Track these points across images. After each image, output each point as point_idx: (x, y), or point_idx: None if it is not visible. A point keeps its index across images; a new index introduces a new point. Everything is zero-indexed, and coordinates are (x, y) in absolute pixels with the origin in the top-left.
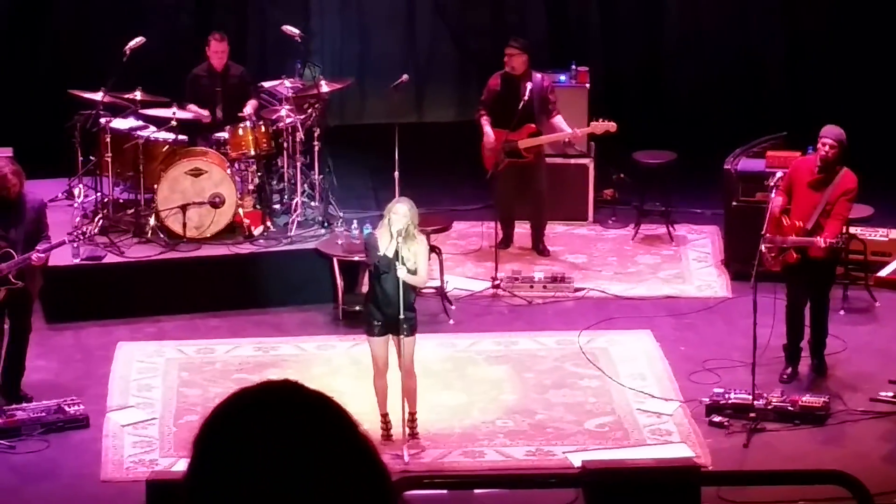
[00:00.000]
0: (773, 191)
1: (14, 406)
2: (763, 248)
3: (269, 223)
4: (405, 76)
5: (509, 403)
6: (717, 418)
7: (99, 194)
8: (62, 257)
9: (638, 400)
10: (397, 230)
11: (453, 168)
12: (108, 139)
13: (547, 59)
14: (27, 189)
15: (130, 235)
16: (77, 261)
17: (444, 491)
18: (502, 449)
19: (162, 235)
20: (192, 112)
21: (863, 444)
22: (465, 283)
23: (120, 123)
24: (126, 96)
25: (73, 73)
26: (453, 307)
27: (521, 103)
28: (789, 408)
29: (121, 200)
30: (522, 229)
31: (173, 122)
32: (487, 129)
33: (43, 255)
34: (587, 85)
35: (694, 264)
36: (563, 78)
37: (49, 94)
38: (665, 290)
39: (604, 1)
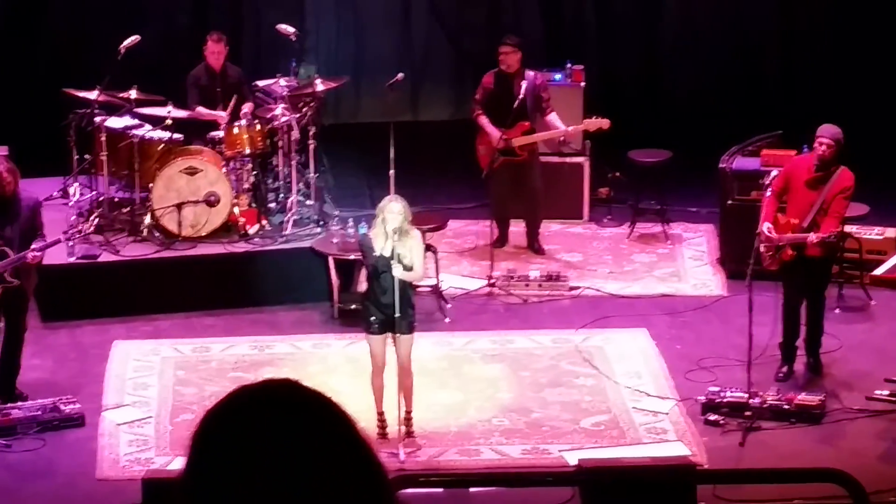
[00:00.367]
0: (767, 189)
1: (9, 405)
2: (761, 247)
3: (264, 222)
4: (400, 75)
5: (505, 402)
6: (712, 417)
7: (94, 193)
8: (57, 256)
9: (634, 398)
10: (393, 229)
11: (448, 167)
12: (104, 138)
13: (542, 57)
14: (22, 187)
15: (126, 234)
16: (72, 259)
17: (440, 489)
18: (498, 447)
19: (157, 234)
20: (204, 115)
21: (859, 442)
22: (460, 281)
23: (115, 122)
24: (121, 95)
25: (68, 72)
26: (449, 306)
27: (516, 101)
28: (785, 406)
29: (116, 199)
30: (518, 228)
31: (168, 121)
32: (490, 127)
33: (39, 253)
34: (582, 84)
35: (689, 263)
36: (558, 77)
37: (44, 92)
38: (661, 288)
39: (599, 0)
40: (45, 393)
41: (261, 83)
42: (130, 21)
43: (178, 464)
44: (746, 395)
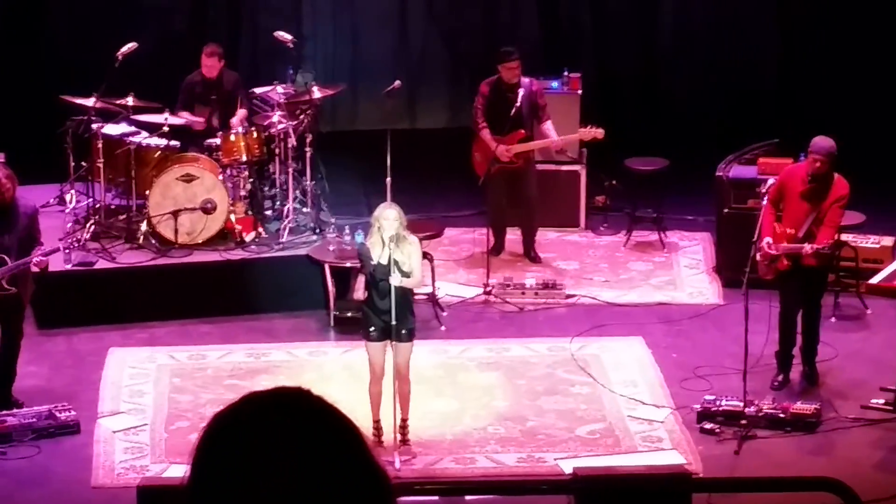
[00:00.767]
0: (764, 198)
1: (5, 412)
2: (758, 256)
3: (260, 229)
4: (397, 82)
5: (501, 410)
6: (708, 425)
7: (91, 200)
8: (54, 263)
9: (629, 407)
10: (390, 237)
11: (445, 174)
12: (100, 145)
13: (539, 65)
14: (19, 194)
15: (122, 241)
16: (69, 266)
17: (436, 497)
18: (493, 455)
19: (154, 241)
20: (183, 118)
21: (854, 451)
22: (456, 289)
23: (112, 129)
24: (118, 102)
25: (65, 79)
26: (445, 313)
27: (514, 109)
28: (780, 415)
29: (112, 206)
30: (514, 235)
31: (165, 128)
32: (493, 143)
33: (45, 258)
34: (579, 91)
35: (686, 271)
36: (555, 84)
37: (41, 99)
38: (657, 296)
39: (596, 7)
40: (41, 400)
41: (258, 90)
42: (127, 28)
43: (173, 471)
44: (742, 404)
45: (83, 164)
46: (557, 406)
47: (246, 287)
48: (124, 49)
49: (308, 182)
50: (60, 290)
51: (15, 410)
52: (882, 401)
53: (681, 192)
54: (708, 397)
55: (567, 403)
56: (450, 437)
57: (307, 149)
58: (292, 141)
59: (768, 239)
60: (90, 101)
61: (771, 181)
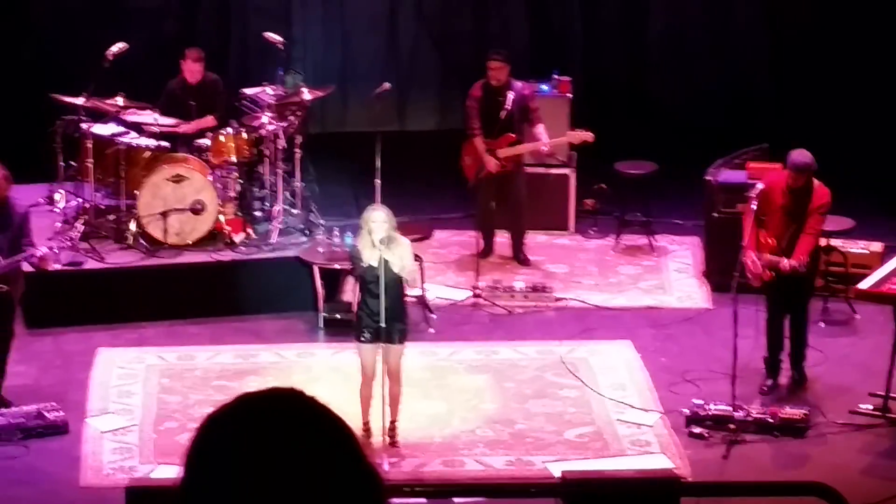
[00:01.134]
0: (753, 203)
1: None
2: (748, 262)
3: (250, 230)
4: (387, 84)
5: (489, 413)
6: (696, 429)
7: (80, 200)
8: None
9: (618, 410)
10: (380, 239)
11: (434, 177)
12: (90, 145)
13: (528, 68)
14: (11, 194)
15: (111, 241)
16: (57, 266)
17: (424, 500)
18: (482, 458)
19: (143, 242)
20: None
21: (842, 456)
22: (445, 291)
23: (101, 129)
24: (108, 102)
25: (54, 78)
26: (434, 316)
27: (504, 112)
28: (769, 420)
29: (102, 206)
30: (503, 238)
31: (155, 129)
32: (487, 157)
33: (46, 254)
34: (569, 95)
35: (675, 275)
36: (544, 88)
37: (30, 98)
38: (646, 300)
39: (586, 11)
40: (29, 400)
41: (248, 91)
42: (118, 28)
43: (161, 472)
44: (730, 408)
45: (73, 163)
46: (546, 409)
47: (235, 288)
48: (114, 49)
49: (297, 183)
50: (49, 290)
51: (3, 410)
52: (870, 406)
53: (670, 195)
54: (696, 401)
55: (555, 407)
56: (438, 439)
57: (297, 150)
58: (282, 142)
59: (753, 256)
60: (80, 101)
61: (760, 185)
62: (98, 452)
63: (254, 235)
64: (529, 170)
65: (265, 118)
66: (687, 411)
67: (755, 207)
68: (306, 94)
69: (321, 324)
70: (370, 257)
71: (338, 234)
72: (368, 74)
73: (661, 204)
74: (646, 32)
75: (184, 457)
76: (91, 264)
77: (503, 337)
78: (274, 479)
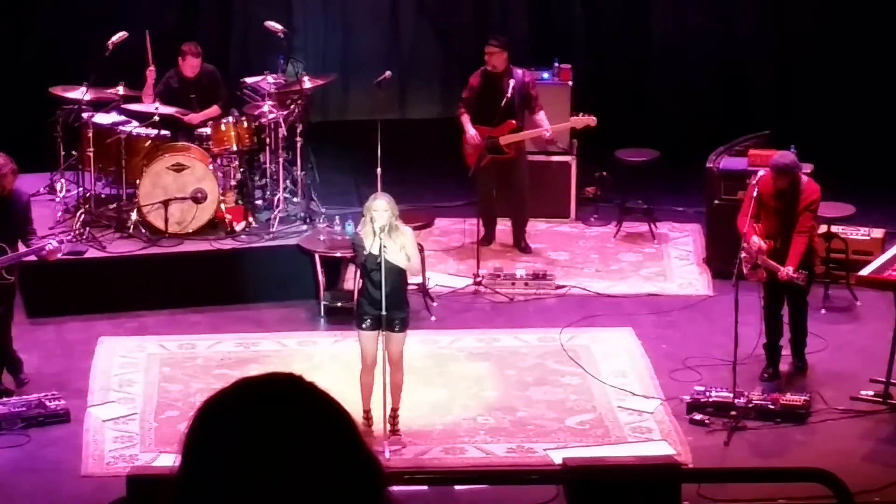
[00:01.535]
0: (754, 190)
1: None
2: (742, 253)
3: (251, 219)
4: (388, 73)
5: (490, 400)
6: (697, 416)
7: (81, 189)
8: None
9: (619, 397)
10: (381, 226)
11: (436, 165)
12: (91, 134)
13: (529, 56)
14: (15, 184)
15: (112, 230)
16: (58, 255)
17: (425, 487)
18: (483, 446)
19: (144, 231)
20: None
21: (843, 442)
22: (447, 279)
23: (102, 118)
24: (108, 91)
25: (55, 68)
26: (435, 304)
27: (504, 100)
28: (770, 406)
29: (103, 195)
30: (504, 226)
31: (155, 118)
32: (468, 126)
33: (54, 249)
34: (570, 82)
35: (676, 262)
36: (545, 75)
37: (31, 87)
38: (647, 287)
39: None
40: (31, 389)
41: (249, 80)
42: (118, 17)
43: (163, 461)
44: (731, 395)
45: (73, 153)
46: (547, 396)
47: (236, 277)
48: (115, 38)
49: (298, 172)
50: (50, 279)
51: (4, 399)
52: (871, 392)
53: (671, 183)
54: (698, 388)
55: (557, 394)
56: (439, 427)
57: (298, 139)
58: (283, 131)
59: (756, 239)
60: (80, 91)
61: (762, 173)
62: (99, 441)
63: (255, 224)
64: (531, 157)
65: (266, 107)
66: (688, 398)
67: (751, 212)
68: (307, 83)
69: (322, 312)
70: (371, 245)
71: (339, 222)
72: (370, 63)
73: (663, 191)
74: (647, 20)
75: (181, 442)
76: (92, 253)
77: (504, 324)
78: (272, 465)
